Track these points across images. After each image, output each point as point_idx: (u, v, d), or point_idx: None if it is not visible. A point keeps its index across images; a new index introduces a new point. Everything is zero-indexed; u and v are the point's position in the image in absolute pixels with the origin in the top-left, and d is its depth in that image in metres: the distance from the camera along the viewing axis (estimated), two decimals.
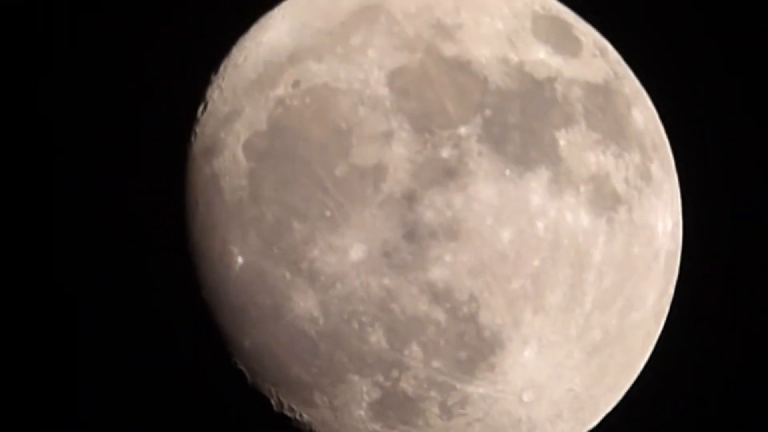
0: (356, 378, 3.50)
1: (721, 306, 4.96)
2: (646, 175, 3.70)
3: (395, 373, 3.46)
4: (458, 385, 3.50)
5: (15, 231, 4.85)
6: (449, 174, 3.33)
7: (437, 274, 3.32)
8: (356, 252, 3.35)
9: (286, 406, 3.76)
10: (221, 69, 3.95)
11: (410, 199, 3.32)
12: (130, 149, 4.58)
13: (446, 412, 3.58)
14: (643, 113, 3.85)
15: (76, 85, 4.90)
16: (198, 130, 3.84)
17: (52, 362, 4.87)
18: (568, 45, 3.71)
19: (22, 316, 4.88)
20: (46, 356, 4.87)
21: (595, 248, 3.49)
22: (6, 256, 4.84)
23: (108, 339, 4.91)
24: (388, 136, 3.35)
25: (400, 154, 3.33)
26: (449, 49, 3.48)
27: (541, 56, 3.58)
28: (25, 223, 4.85)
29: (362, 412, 3.61)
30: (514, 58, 3.52)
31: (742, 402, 5.02)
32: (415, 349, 3.39)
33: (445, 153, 3.33)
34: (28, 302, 4.90)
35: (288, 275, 3.44)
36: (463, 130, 3.36)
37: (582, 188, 3.45)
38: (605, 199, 3.52)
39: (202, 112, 3.87)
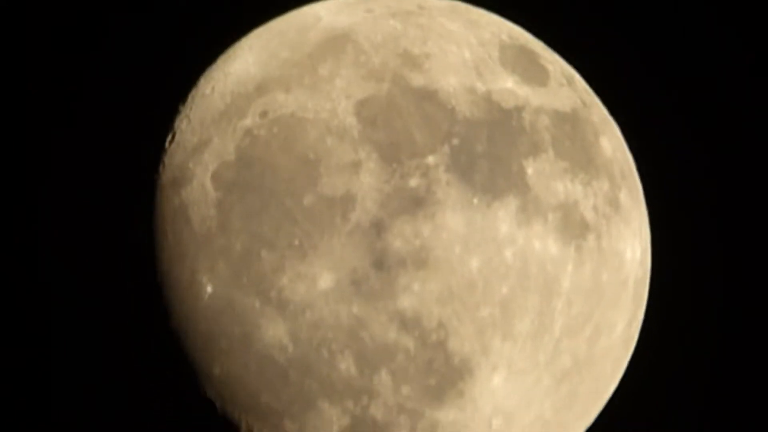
0: (326, 405, 3.52)
1: (689, 331, 5.03)
2: (614, 203, 3.74)
3: (365, 400, 3.49)
4: (427, 412, 3.51)
5: None
6: (417, 203, 3.36)
7: (406, 302, 3.35)
8: (325, 280, 3.38)
9: None
10: (189, 99, 3.98)
11: (378, 228, 3.35)
12: (98, 181, 4.63)
13: None
14: (611, 141, 3.89)
15: (47, 118, 4.92)
16: (166, 160, 3.87)
17: (22, 388, 4.89)
18: (535, 74, 3.76)
19: None
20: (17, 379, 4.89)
21: (563, 276, 3.53)
22: None
23: (77, 367, 4.92)
24: (356, 166, 3.39)
25: (368, 183, 3.37)
26: (416, 79, 3.52)
27: (508, 85, 3.61)
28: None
29: None
30: (481, 87, 3.55)
31: (713, 426, 5.11)
32: (384, 376, 3.42)
33: (413, 182, 3.36)
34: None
35: (257, 304, 3.46)
36: (430, 160, 3.39)
37: (550, 216, 3.49)
38: (573, 227, 3.55)
39: (170, 143, 3.89)
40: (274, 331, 3.45)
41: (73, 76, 4.92)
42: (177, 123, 3.93)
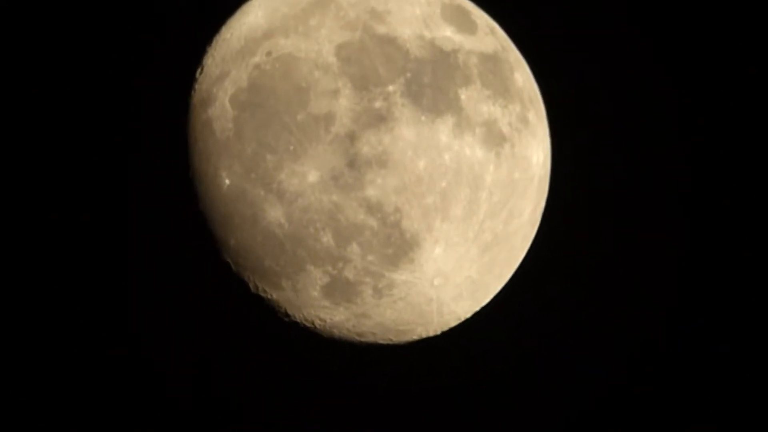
0: (312, 268, 3.99)
1: (581, 215, 5.50)
2: (524, 121, 4.22)
3: (340, 265, 3.97)
4: (386, 274, 4.00)
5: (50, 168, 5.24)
6: (380, 119, 3.84)
7: (371, 192, 3.85)
8: (312, 176, 3.85)
9: (260, 288, 4.21)
10: (214, 42, 4.40)
11: (352, 137, 3.82)
12: (147, 102, 5.05)
13: (377, 293, 4.07)
14: (522, 76, 4.37)
15: (108, 59, 5.28)
16: (196, 87, 4.29)
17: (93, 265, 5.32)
18: (467, 26, 4.20)
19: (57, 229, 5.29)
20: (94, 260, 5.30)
21: (486, 174, 4.01)
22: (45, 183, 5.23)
23: (130, 238, 5.28)
24: (335, 92, 3.85)
25: (344, 105, 3.83)
26: (380, 29, 4.00)
27: (447, 34, 4.09)
28: (65, 159, 5.27)
29: (316, 293, 4.08)
30: (427, 35, 4.02)
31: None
32: (355, 247, 3.92)
33: (378, 104, 3.85)
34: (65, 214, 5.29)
35: (262, 193, 3.92)
36: (390, 88, 3.87)
37: (477, 130, 3.98)
38: (494, 138, 4.04)
39: (200, 74, 4.32)
40: (275, 213, 3.92)
41: (134, 30, 5.24)
42: (205, 59, 4.35)
